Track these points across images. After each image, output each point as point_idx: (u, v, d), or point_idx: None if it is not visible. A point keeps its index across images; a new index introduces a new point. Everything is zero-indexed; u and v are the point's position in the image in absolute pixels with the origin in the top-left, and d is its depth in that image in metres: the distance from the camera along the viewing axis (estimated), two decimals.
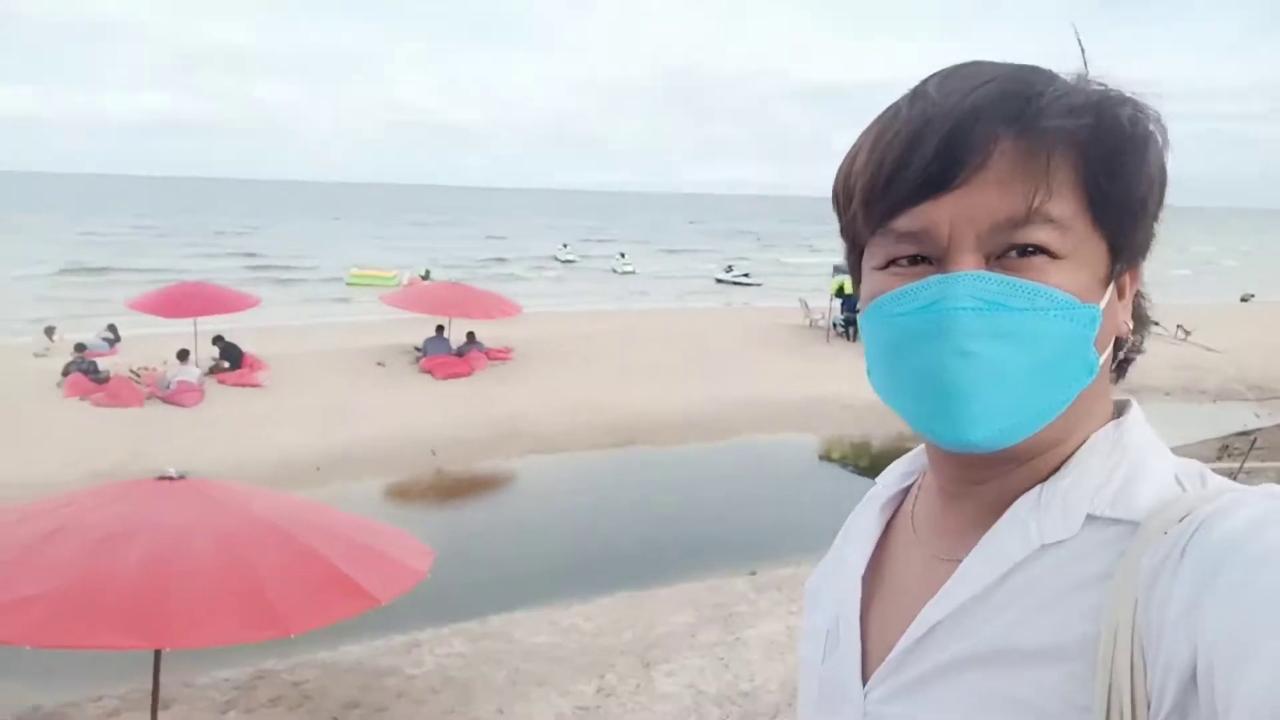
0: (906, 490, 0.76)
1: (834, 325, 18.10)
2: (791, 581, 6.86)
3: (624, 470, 10.96)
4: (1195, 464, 0.60)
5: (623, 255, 40.86)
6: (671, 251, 50.89)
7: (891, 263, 0.61)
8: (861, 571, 0.72)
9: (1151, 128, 0.58)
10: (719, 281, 34.33)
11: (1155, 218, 0.61)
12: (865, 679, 0.67)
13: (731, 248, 54.52)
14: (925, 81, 0.60)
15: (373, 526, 4.67)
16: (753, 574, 7.23)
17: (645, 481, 10.59)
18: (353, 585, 3.70)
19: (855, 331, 18.01)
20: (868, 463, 11.56)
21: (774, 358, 15.88)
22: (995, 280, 0.56)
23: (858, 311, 0.66)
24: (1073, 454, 0.61)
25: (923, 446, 0.73)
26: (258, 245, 44.74)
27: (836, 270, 18.57)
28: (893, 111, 0.61)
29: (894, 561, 0.72)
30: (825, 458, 11.81)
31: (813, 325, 18.92)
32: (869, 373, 0.66)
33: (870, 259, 0.63)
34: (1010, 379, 0.56)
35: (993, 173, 0.56)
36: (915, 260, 0.60)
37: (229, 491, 4.29)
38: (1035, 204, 0.56)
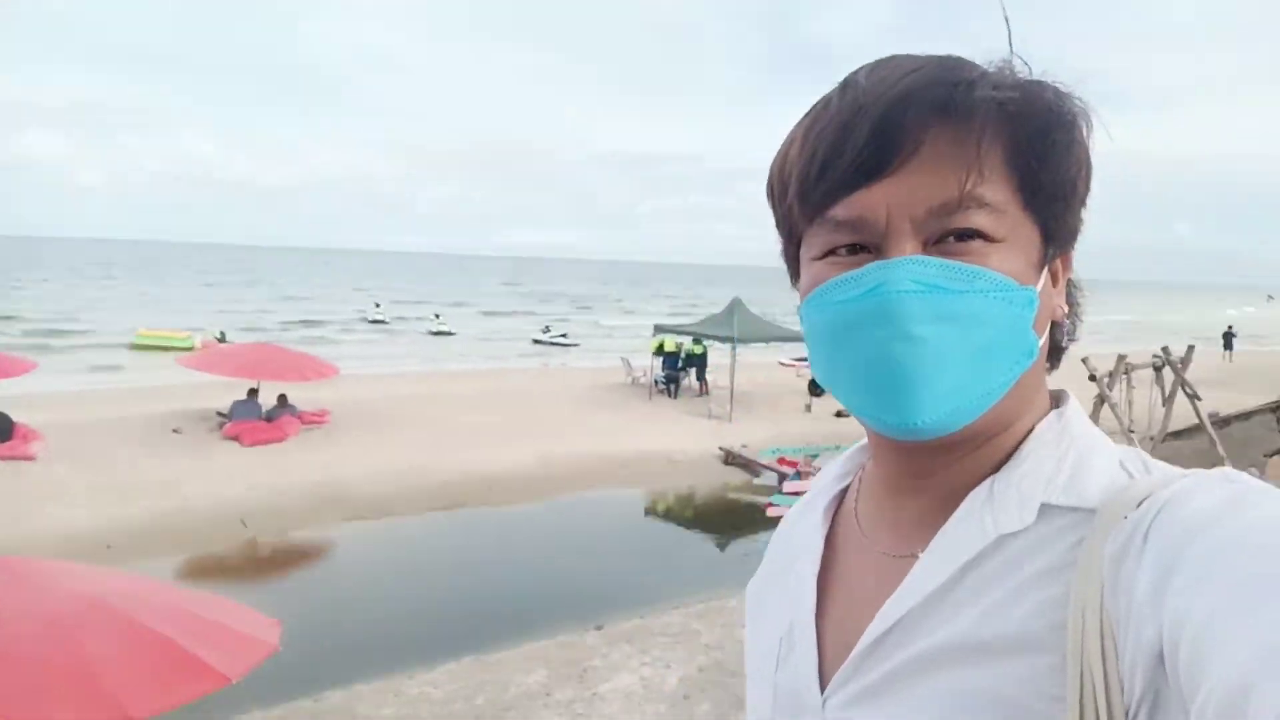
0: (845, 491, 0.75)
1: (655, 383, 18.55)
2: (642, 633, 6.88)
3: (456, 532, 10.64)
4: (1136, 450, 0.61)
5: (438, 316, 40.09)
6: (488, 313, 50.48)
7: (830, 252, 0.61)
8: (815, 572, 0.70)
9: (1077, 112, 0.59)
10: (536, 342, 34.36)
11: (1083, 203, 0.63)
12: (824, 686, 0.65)
13: (548, 309, 54.80)
14: (855, 72, 0.61)
15: (210, 599, 4.29)
16: (599, 628, 7.20)
17: (479, 543, 10.33)
18: (198, 663, 3.38)
19: (676, 388, 18.57)
20: (693, 514, 11.85)
21: (599, 416, 16.04)
22: (934, 264, 0.56)
23: (800, 304, 0.65)
24: (1020, 444, 0.62)
25: (858, 446, 0.75)
26: (21, 306, 40.29)
27: (658, 329, 19.14)
28: (824, 103, 0.61)
29: (844, 563, 0.70)
30: (653, 511, 11.99)
31: (635, 383, 19.30)
32: (811, 363, 0.65)
33: (808, 250, 0.63)
34: (954, 362, 0.56)
35: (926, 158, 0.57)
36: (854, 249, 0.60)
37: (38, 568, 3.82)
38: (969, 188, 0.56)
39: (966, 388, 0.57)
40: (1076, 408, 0.65)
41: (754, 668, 0.75)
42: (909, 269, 0.56)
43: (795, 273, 0.67)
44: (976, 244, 0.57)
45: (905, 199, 0.57)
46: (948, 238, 0.57)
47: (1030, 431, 0.62)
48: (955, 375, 0.57)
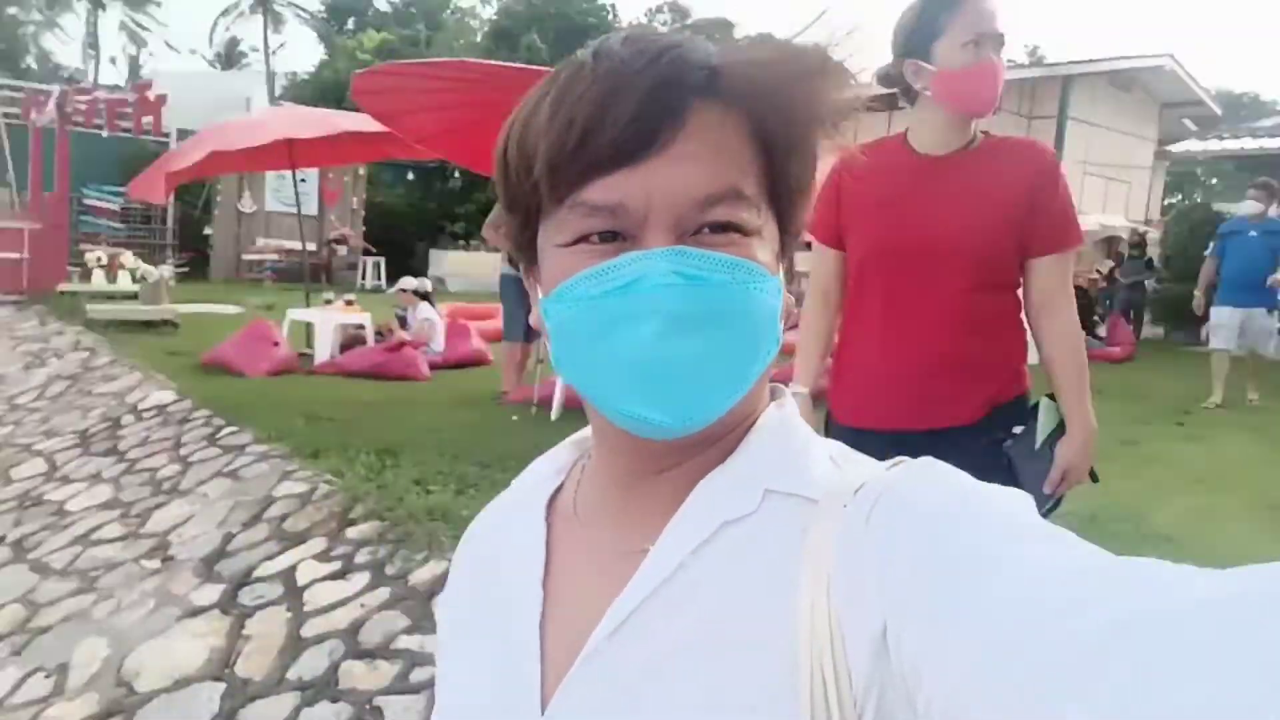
0: (558, 490, 0.69)
1: None
2: None
3: None
4: (839, 444, 0.62)
5: None
6: None
7: (581, 239, 0.55)
8: (540, 577, 0.63)
9: (824, 105, 0.56)
10: None
11: (810, 200, 0.61)
12: (545, 701, 0.59)
13: None
14: (605, 41, 0.57)
15: None
16: None
17: None
18: None
19: None
20: None
21: None
22: (697, 255, 0.53)
23: (545, 296, 0.58)
24: (746, 433, 0.60)
25: (570, 441, 0.70)
26: None
27: None
28: (573, 68, 0.56)
29: (565, 565, 0.64)
30: None
31: None
32: (555, 361, 0.59)
33: (553, 235, 0.57)
34: (719, 356, 0.55)
35: (691, 144, 0.54)
36: (606, 236, 0.55)
37: None
38: (733, 181, 0.55)
39: (726, 380, 0.56)
40: (792, 401, 0.65)
41: (451, 702, 0.67)
42: (671, 260, 0.53)
43: (528, 257, 0.61)
44: (733, 236, 0.55)
45: (667, 186, 0.54)
46: (703, 229, 0.55)
47: (754, 422, 0.61)
48: (720, 369, 0.55)
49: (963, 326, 1.79)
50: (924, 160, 1.84)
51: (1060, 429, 1.82)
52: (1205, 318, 7.61)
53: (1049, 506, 1.84)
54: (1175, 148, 14.39)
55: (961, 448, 1.65)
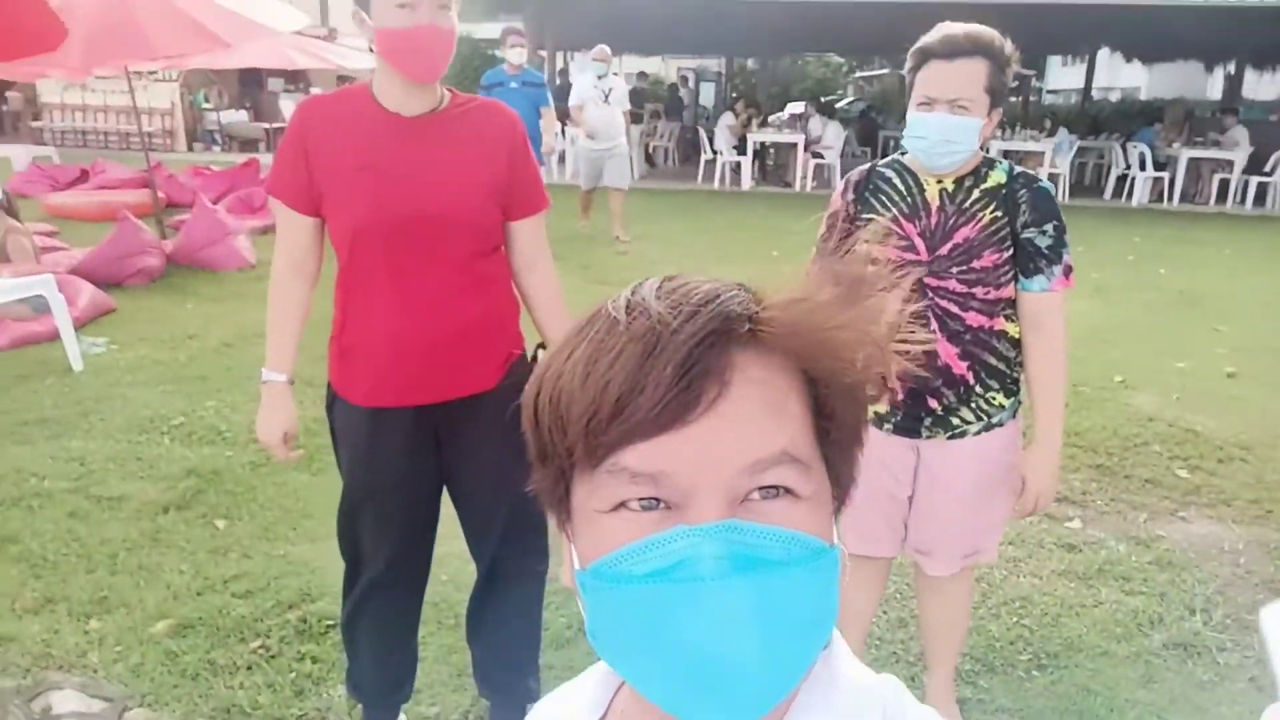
0: None
1: None
2: None
3: None
4: (892, 687, 0.59)
5: None
6: None
7: (621, 506, 0.52)
8: None
9: (870, 341, 0.53)
10: None
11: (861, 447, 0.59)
12: None
13: None
14: (637, 292, 0.54)
15: None
16: None
17: None
18: None
19: None
20: None
21: None
22: (750, 530, 0.49)
23: (582, 569, 0.55)
24: (792, 699, 0.56)
25: (604, 675, 0.65)
26: None
27: None
28: (606, 325, 0.53)
29: None
30: None
31: None
32: (592, 635, 0.54)
33: (590, 498, 0.53)
34: (775, 642, 0.50)
35: (737, 404, 0.50)
36: (648, 503, 0.51)
37: None
38: (785, 444, 0.51)
39: (789, 674, 0.51)
40: (841, 645, 0.60)
41: None
42: (724, 536, 0.49)
43: (562, 515, 0.57)
44: (784, 501, 0.51)
45: (714, 452, 0.50)
46: (753, 494, 0.51)
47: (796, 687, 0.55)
48: (780, 662, 0.50)
49: (470, 293, 1.79)
50: (397, 120, 1.73)
51: None
52: None
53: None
54: None
55: (485, 412, 1.81)
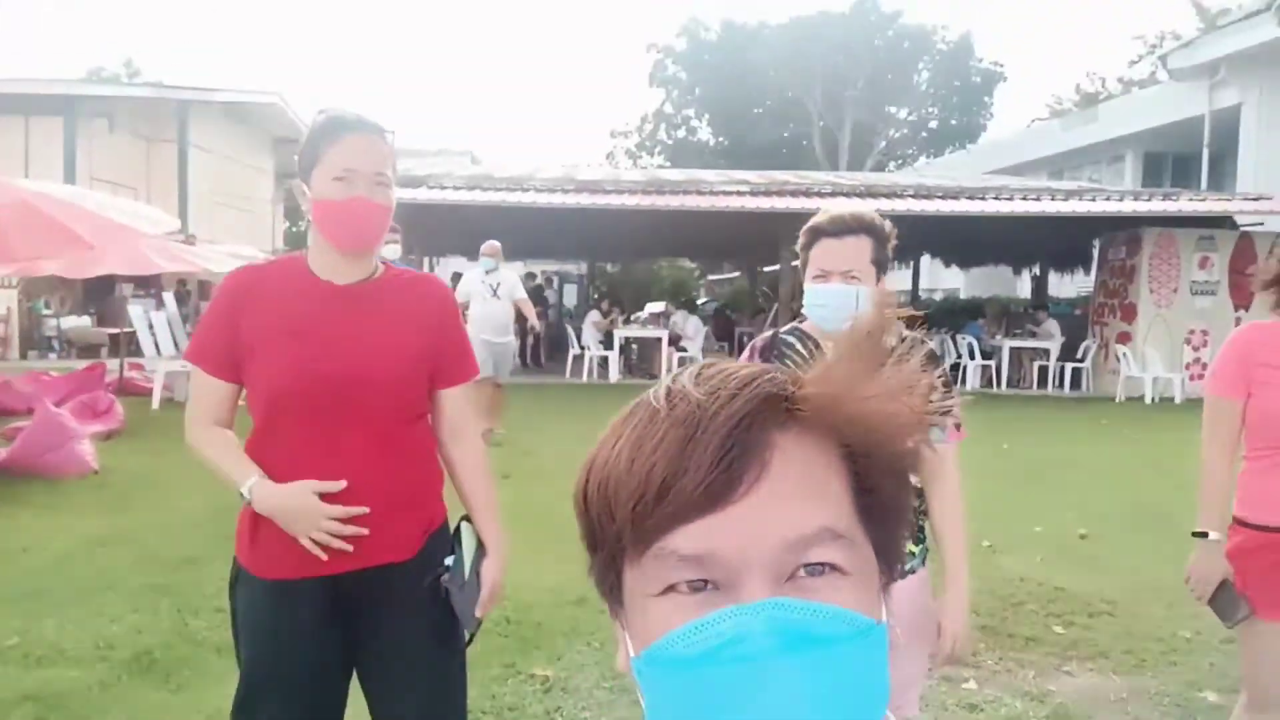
0: None
1: None
2: None
3: None
4: None
5: None
6: None
7: (670, 589, 0.52)
8: None
9: (910, 417, 0.54)
10: None
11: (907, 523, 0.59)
12: None
13: None
14: (675, 380, 0.56)
15: None
16: None
17: None
18: None
19: None
20: None
21: None
22: (797, 607, 0.50)
23: (636, 656, 0.55)
24: None
25: None
26: None
27: None
28: (648, 414, 0.55)
29: None
30: None
31: None
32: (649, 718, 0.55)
33: (641, 583, 0.54)
34: None
35: (778, 483, 0.51)
36: (697, 585, 0.52)
37: None
38: (827, 520, 0.52)
39: None
40: None
41: None
42: (770, 613, 0.49)
43: (616, 604, 0.58)
44: (831, 578, 0.52)
45: (757, 530, 0.51)
46: (799, 572, 0.51)
47: None
48: None
49: (394, 459, 1.76)
50: (329, 288, 1.77)
51: (482, 550, 1.86)
52: None
53: (474, 631, 1.87)
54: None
55: (401, 584, 1.76)
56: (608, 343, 14.44)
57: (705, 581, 0.52)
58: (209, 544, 4.75)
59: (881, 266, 2.04)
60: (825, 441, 0.54)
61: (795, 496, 0.52)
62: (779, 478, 0.52)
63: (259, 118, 15.76)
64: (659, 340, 14.50)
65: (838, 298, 1.98)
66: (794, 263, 2.13)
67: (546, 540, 5.03)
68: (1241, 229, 13.77)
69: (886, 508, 0.56)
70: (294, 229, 24.90)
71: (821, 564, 0.52)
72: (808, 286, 2.04)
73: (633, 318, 15.94)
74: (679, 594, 0.52)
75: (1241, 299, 13.30)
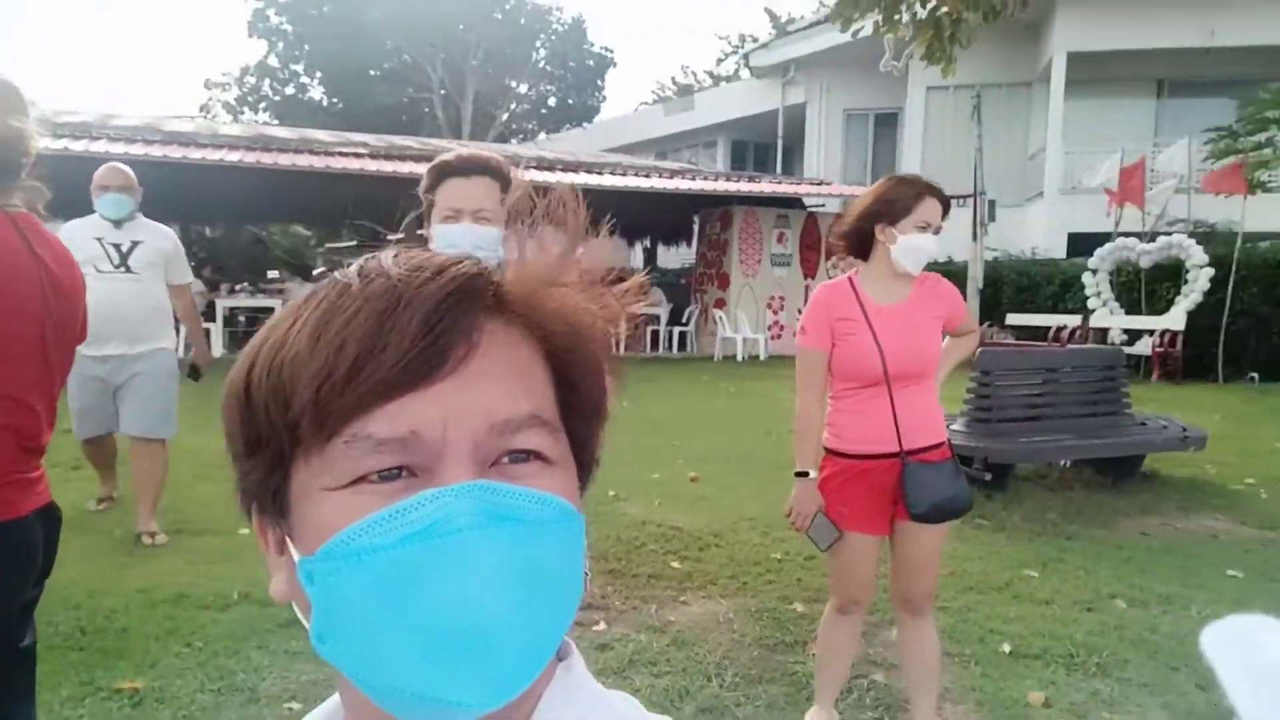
0: None
1: None
2: None
3: None
4: (629, 697, 0.58)
5: None
6: None
7: (359, 480, 0.47)
8: None
9: (609, 323, 0.55)
10: None
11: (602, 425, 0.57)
12: None
13: None
14: (369, 260, 0.51)
15: None
16: None
17: None
18: None
19: None
20: None
21: None
22: (506, 490, 0.47)
23: (308, 555, 0.48)
24: (536, 702, 0.53)
25: (324, 712, 0.58)
26: None
27: None
28: (335, 290, 0.49)
29: None
30: None
31: None
32: (319, 638, 0.48)
33: (320, 478, 0.48)
34: (530, 605, 0.47)
35: (486, 363, 0.48)
36: (389, 474, 0.47)
37: None
38: (534, 407, 0.50)
39: (544, 644, 0.48)
40: (579, 659, 0.58)
41: None
42: (477, 496, 0.46)
43: (273, 511, 0.51)
44: (534, 465, 0.50)
45: (464, 410, 0.47)
46: (502, 458, 0.49)
47: (540, 691, 0.53)
48: (536, 630, 0.47)
49: None
50: None
51: None
52: None
53: None
54: None
55: None
56: (209, 313, 12.96)
57: (400, 469, 0.47)
58: None
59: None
60: (529, 334, 0.52)
61: (503, 379, 0.49)
62: (488, 358, 0.49)
63: None
64: (271, 310, 13.32)
65: (469, 238, 1.91)
66: (419, 231, 2.02)
67: (132, 538, 4.39)
68: (809, 209, 16.02)
69: (585, 405, 0.55)
70: None
71: (526, 451, 0.50)
72: (437, 229, 1.94)
73: (237, 287, 14.47)
74: (370, 484, 0.47)
75: (809, 270, 15.54)
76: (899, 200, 2.47)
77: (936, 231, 2.48)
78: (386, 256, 0.51)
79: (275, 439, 0.49)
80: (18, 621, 1.73)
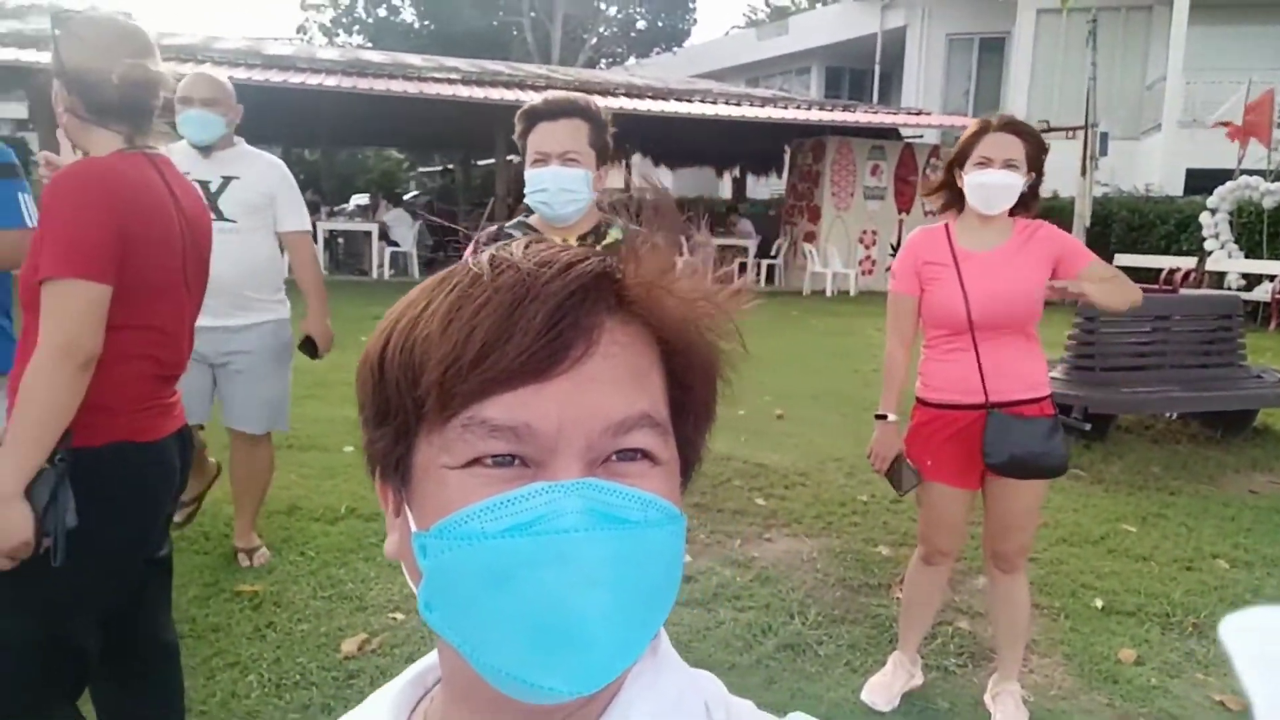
0: None
1: None
2: None
3: None
4: (712, 677, 0.60)
5: None
6: None
7: (475, 462, 0.49)
8: None
9: (727, 328, 0.55)
10: None
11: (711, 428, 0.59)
12: None
13: None
14: (501, 249, 0.53)
15: None
16: None
17: None
18: None
19: None
20: None
21: None
22: (611, 490, 0.48)
23: (423, 530, 0.50)
24: (621, 683, 0.54)
25: (412, 679, 0.61)
26: None
27: None
28: (468, 278, 0.51)
29: None
30: None
31: None
32: (426, 606, 0.50)
33: (441, 455, 0.50)
34: (626, 610, 0.48)
35: (604, 364, 0.50)
36: (503, 460, 0.49)
37: None
38: (647, 407, 0.51)
39: (635, 641, 0.50)
40: (666, 642, 0.59)
41: None
42: (584, 493, 0.47)
43: (397, 480, 0.54)
44: (642, 465, 0.51)
45: (579, 409, 0.48)
46: (611, 457, 0.50)
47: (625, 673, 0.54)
48: (629, 627, 0.49)
49: None
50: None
51: None
52: None
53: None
54: None
55: None
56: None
57: (513, 457, 0.49)
58: None
59: (602, 154, 2.04)
60: (646, 332, 0.53)
61: (618, 380, 0.50)
62: (603, 358, 0.50)
63: None
64: (368, 235, 13.69)
65: (556, 180, 1.97)
66: (509, 156, 2.08)
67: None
68: (905, 140, 15.45)
69: (696, 407, 0.56)
70: None
71: (635, 450, 0.51)
72: (528, 173, 2.00)
73: (336, 210, 14.85)
74: (484, 468, 0.49)
75: (904, 204, 15.07)
76: (965, 141, 2.43)
77: (1010, 166, 2.35)
78: (517, 247, 0.52)
79: (403, 413, 0.51)
80: (160, 534, 1.88)
